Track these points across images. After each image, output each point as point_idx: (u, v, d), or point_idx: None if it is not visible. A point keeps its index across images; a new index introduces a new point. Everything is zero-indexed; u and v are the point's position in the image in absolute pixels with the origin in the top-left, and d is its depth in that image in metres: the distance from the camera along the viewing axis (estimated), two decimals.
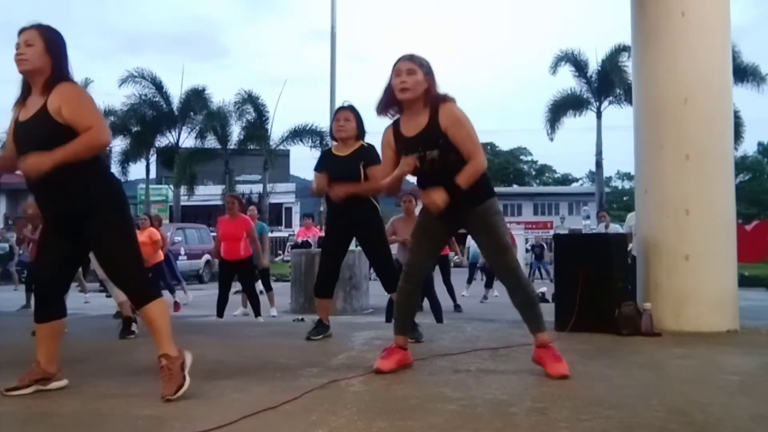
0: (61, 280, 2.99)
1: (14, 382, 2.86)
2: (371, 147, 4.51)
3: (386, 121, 3.44)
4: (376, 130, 4.61)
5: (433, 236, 3.44)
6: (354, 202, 4.40)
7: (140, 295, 2.89)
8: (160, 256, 9.42)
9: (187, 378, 2.79)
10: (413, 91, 3.18)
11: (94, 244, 2.91)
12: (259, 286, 9.26)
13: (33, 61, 2.81)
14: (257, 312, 7.78)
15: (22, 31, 2.85)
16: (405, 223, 6.54)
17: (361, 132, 4.56)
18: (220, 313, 7.55)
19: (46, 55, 2.83)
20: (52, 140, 2.72)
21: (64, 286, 3.03)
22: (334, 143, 4.75)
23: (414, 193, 7.00)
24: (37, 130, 2.79)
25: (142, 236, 8.57)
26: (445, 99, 3.24)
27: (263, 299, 8.64)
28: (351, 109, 4.58)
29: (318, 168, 4.62)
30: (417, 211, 6.76)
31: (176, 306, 9.57)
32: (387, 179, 3.37)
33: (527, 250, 20.10)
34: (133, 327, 4.93)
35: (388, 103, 3.32)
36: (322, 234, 11.73)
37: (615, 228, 10.54)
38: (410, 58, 3.25)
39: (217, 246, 7.80)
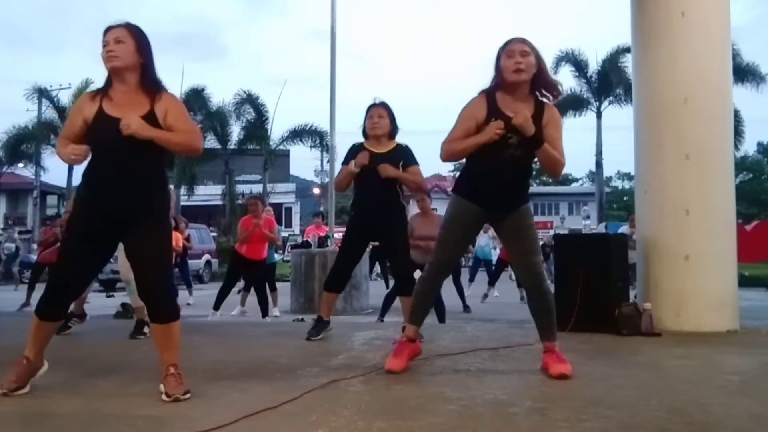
0: (80, 285, 2.99)
1: (13, 384, 2.84)
2: (408, 148, 4.48)
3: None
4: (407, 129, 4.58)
5: (466, 229, 3.41)
6: (386, 202, 4.38)
7: (166, 312, 2.86)
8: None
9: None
10: (528, 72, 3.13)
11: (141, 246, 2.85)
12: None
13: (124, 58, 2.82)
14: (265, 312, 7.82)
15: (110, 29, 2.86)
16: (423, 221, 6.52)
17: (394, 129, 4.50)
18: (217, 305, 7.54)
19: (137, 53, 2.85)
20: (151, 147, 2.77)
21: (82, 289, 3.04)
22: (364, 140, 4.58)
23: (429, 194, 6.98)
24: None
25: None
26: (558, 92, 3.23)
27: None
28: (384, 106, 4.50)
29: (347, 161, 4.49)
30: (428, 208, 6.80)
31: None
32: (469, 141, 3.18)
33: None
34: (146, 329, 4.91)
35: (498, 83, 3.21)
36: (322, 235, 11.81)
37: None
38: (523, 40, 3.19)
39: (240, 245, 7.88)
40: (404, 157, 4.41)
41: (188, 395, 2.75)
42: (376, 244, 4.95)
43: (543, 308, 3.33)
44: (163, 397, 2.73)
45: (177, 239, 9.12)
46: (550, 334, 3.34)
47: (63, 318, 2.97)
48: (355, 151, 4.48)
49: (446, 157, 3.31)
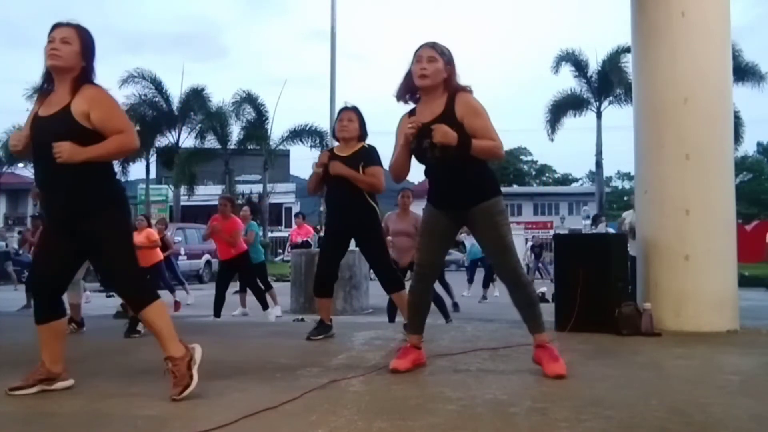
0: (60, 281, 2.97)
1: (18, 382, 2.86)
2: (372, 148, 4.52)
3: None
4: (378, 129, 4.63)
5: (440, 234, 3.42)
6: (352, 203, 4.42)
7: (138, 299, 2.88)
8: (159, 255, 9.42)
9: (195, 377, 2.80)
10: (432, 78, 3.18)
11: (93, 246, 2.87)
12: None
13: (66, 59, 2.81)
14: (265, 305, 7.84)
15: (57, 26, 2.85)
16: (399, 218, 6.56)
17: (363, 133, 4.56)
18: (217, 312, 7.56)
19: (80, 56, 2.84)
20: (71, 141, 2.74)
21: (62, 288, 3.01)
22: (336, 143, 4.74)
23: (412, 191, 7.03)
24: (56, 129, 2.78)
25: (140, 237, 8.58)
26: (464, 89, 3.24)
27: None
28: (354, 110, 4.58)
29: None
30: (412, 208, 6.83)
31: (176, 306, 9.57)
32: (396, 151, 3.32)
33: (531, 250, 20.06)
34: (139, 326, 4.92)
35: (407, 89, 3.31)
36: (311, 234, 11.84)
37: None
38: (432, 45, 3.24)
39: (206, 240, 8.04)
40: (365, 158, 4.46)
41: (185, 393, 2.73)
42: None
43: (523, 300, 3.33)
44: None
45: (149, 235, 9.15)
46: (536, 325, 3.34)
47: (57, 318, 2.93)
48: (327, 157, 4.61)
49: (393, 176, 3.47)
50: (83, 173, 2.76)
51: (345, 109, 4.61)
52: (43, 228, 3.11)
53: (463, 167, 3.20)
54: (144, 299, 2.87)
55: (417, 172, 3.46)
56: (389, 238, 6.34)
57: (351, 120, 4.51)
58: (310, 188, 4.74)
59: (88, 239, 2.85)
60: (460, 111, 3.16)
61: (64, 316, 3.01)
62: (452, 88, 3.22)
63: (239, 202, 25.81)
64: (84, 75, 2.86)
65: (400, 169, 3.37)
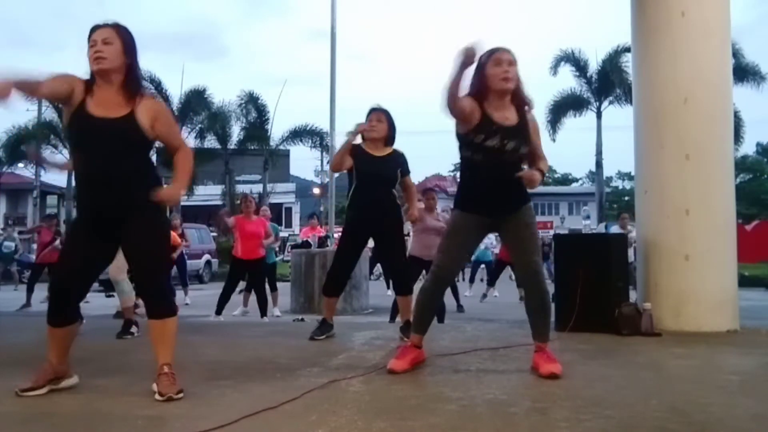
0: (83, 285, 2.96)
1: (28, 383, 2.84)
2: (404, 156, 4.55)
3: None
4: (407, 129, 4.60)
5: (468, 241, 3.44)
6: (384, 201, 4.44)
7: (163, 307, 2.85)
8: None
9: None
10: (514, 82, 3.21)
11: (135, 243, 2.84)
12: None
13: (112, 59, 2.81)
14: (264, 312, 7.82)
15: (97, 28, 2.84)
16: (426, 215, 6.60)
17: (391, 134, 4.53)
18: (219, 309, 7.55)
19: (124, 55, 2.84)
20: (133, 147, 2.83)
21: (84, 292, 3.00)
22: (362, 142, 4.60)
23: (435, 190, 7.05)
24: (122, 134, 2.79)
25: None
26: (530, 104, 3.34)
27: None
28: (384, 111, 4.55)
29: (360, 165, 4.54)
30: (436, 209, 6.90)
31: None
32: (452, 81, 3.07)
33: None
34: (133, 329, 4.93)
35: (480, 90, 3.23)
36: (323, 234, 11.82)
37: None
38: (509, 51, 3.26)
39: (235, 244, 7.89)
40: (403, 164, 4.51)
41: (181, 394, 2.75)
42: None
43: (539, 307, 3.34)
44: (156, 396, 2.72)
45: (172, 237, 9.14)
46: (543, 334, 3.35)
47: (73, 322, 2.92)
48: (354, 151, 4.49)
49: (447, 102, 3.08)
50: (139, 174, 2.85)
51: (375, 110, 4.55)
52: (74, 229, 3.08)
53: (517, 170, 3.24)
54: (170, 308, 2.88)
55: (418, 173, 3.47)
56: (420, 231, 6.44)
57: (380, 120, 4.49)
58: (335, 163, 4.61)
59: (132, 238, 2.84)
60: (532, 126, 3.31)
61: (78, 318, 2.98)
62: (520, 100, 3.29)
63: (237, 202, 25.83)
64: (131, 74, 2.87)
65: (454, 96, 3.07)
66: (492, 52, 3.21)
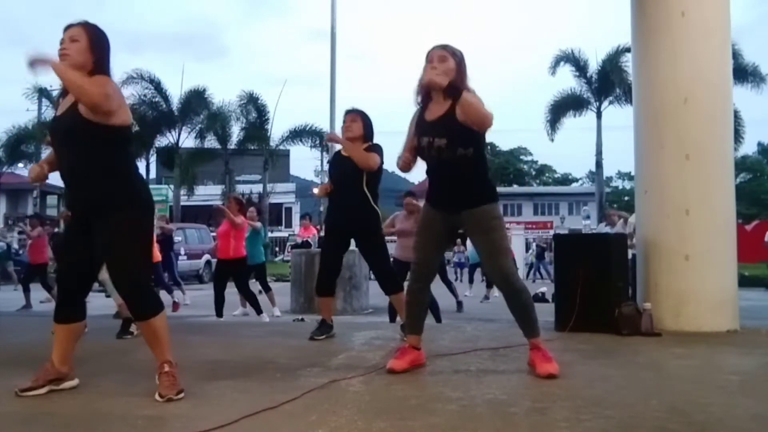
0: (85, 280, 2.96)
1: (28, 383, 2.85)
2: (376, 145, 4.55)
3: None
4: (378, 130, 4.64)
5: (437, 233, 3.43)
6: (356, 204, 4.44)
7: (143, 309, 2.83)
8: (157, 256, 9.40)
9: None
10: (443, 77, 3.15)
11: (105, 244, 2.82)
12: (258, 286, 9.28)
13: (75, 56, 2.81)
14: (258, 310, 7.81)
15: (68, 27, 2.86)
16: (405, 219, 6.69)
17: (367, 133, 4.57)
18: (218, 312, 7.56)
19: (89, 51, 2.84)
20: (79, 136, 2.76)
21: (87, 287, 2.99)
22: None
23: (415, 193, 7.06)
24: (66, 126, 2.81)
25: None
26: (466, 89, 3.19)
27: (263, 299, 8.63)
28: (358, 111, 4.62)
29: (330, 166, 4.82)
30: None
31: (175, 306, 9.56)
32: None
33: (536, 250, 20.05)
34: (132, 328, 4.93)
35: (420, 91, 3.32)
36: (313, 234, 11.83)
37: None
38: (444, 47, 3.26)
39: (216, 244, 7.95)
40: (367, 149, 4.51)
41: (182, 395, 2.74)
42: None
43: (518, 306, 3.33)
44: (156, 397, 2.72)
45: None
46: (531, 330, 3.35)
47: (78, 320, 2.93)
48: (332, 158, 4.81)
49: (401, 167, 3.44)
50: (104, 170, 2.79)
51: (348, 111, 4.65)
52: (66, 225, 3.14)
53: (461, 169, 3.20)
54: (149, 310, 2.83)
55: (416, 174, 3.49)
56: (394, 229, 6.47)
57: (354, 121, 4.56)
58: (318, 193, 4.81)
59: (100, 236, 2.81)
60: (461, 104, 3.11)
61: (84, 318, 2.99)
62: (456, 90, 3.17)
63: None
64: (95, 71, 2.85)
65: (407, 162, 3.38)
66: (428, 51, 3.26)
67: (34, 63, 2.68)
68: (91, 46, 2.85)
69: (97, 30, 2.91)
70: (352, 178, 4.42)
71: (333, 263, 4.64)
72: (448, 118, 3.16)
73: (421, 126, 3.32)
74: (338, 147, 4.74)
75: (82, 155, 2.79)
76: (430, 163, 3.32)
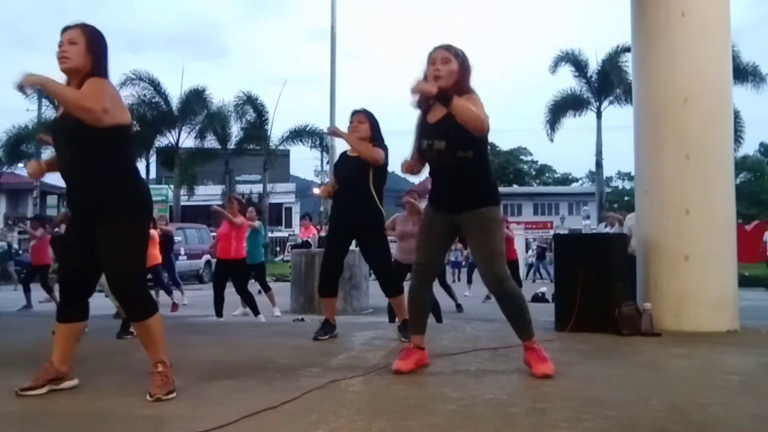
0: (88, 280, 2.96)
1: (28, 382, 2.85)
2: (381, 144, 4.54)
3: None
4: (384, 129, 4.62)
5: (438, 234, 3.42)
6: (360, 204, 4.43)
7: (138, 310, 2.84)
8: (158, 257, 9.39)
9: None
10: (446, 79, 3.14)
11: (102, 244, 2.82)
12: (257, 286, 9.28)
13: (74, 59, 2.81)
14: (255, 311, 7.81)
15: (66, 29, 2.86)
16: (405, 220, 6.65)
17: (375, 134, 4.54)
18: (218, 312, 7.57)
19: (88, 54, 2.84)
20: (80, 138, 2.76)
21: (90, 287, 3.00)
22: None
23: (416, 192, 7.05)
24: (65, 127, 2.82)
25: None
26: (471, 92, 3.18)
27: (263, 299, 8.64)
28: (365, 112, 4.59)
29: (335, 169, 4.79)
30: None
31: (174, 307, 9.56)
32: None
33: (536, 250, 20.07)
34: (132, 328, 4.93)
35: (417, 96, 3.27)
36: (313, 234, 11.83)
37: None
38: (447, 47, 3.23)
39: (215, 244, 7.93)
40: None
41: (172, 395, 2.75)
42: None
43: (511, 310, 3.32)
44: (147, 397, 2.72)
45: (153, 236, 9.13)
46: (524, 333, 3.34)
47: (81, 320, 2.94)
48: (338, 159, 4.78)
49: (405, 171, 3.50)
50: (104, 171, 2.79)
51: (356, 112, 4.61)
52: (69, 228, 3.13)
53: (462, 171, 3.20)
54: (144, 312, 2.84)
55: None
56: (392, 238, 6.41)
57: (361, 122, 4.53)
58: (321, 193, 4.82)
59: (99, 237, 2.82)
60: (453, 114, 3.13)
61: (85, 318, 2.99)
62: (462, 91, 3.16)
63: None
64: (93, 72, 2.85)
65: (410, 166, 3.44)
66: (431, 52, 3.24)
67: (24, 85, 2.69)
68: (90, 48, 2.86)
69: (95, 31, 2.91)
70: (358, 178, 4.41)
71: (336, 263, 4.62)
72: (448, 121, 3.13)
73: (422, 128, 3.32)
74: (344, 146, 4.70)
75: (83, 156, 2.79)
76: (432, 165, 3.33)
